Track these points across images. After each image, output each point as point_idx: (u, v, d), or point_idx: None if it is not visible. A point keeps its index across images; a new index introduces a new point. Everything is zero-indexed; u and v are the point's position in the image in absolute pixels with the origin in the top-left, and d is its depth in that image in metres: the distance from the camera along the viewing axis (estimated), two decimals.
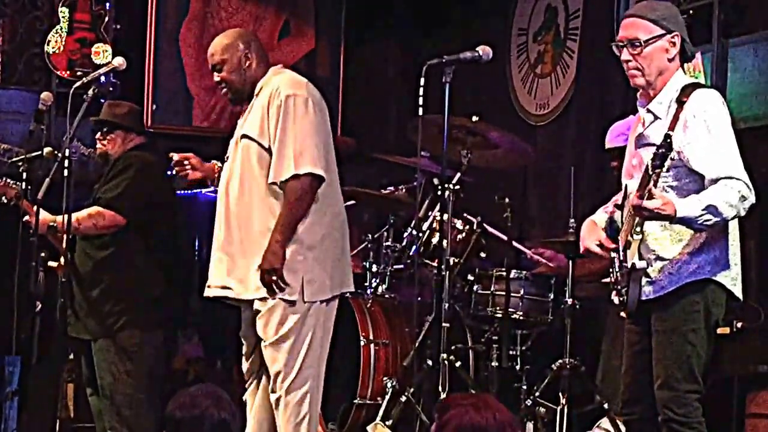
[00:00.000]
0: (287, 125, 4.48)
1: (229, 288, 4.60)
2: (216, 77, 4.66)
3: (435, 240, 5.68)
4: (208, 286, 4.69)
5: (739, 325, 5.07)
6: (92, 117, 5.42)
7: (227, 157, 4.68)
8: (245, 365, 4.72)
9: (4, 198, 5.21)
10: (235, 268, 4.58)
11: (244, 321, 4.68)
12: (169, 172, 5.19)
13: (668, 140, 3.70)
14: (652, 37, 3.98)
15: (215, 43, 4.69)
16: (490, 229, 5.78)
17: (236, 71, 4.63)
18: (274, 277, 4.43)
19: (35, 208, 4.98)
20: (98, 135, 5.41)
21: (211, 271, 4.67)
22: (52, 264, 5.21)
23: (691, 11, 5.53)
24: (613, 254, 4.03)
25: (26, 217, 5.10)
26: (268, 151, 4.51)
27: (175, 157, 4.82)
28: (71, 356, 5.74)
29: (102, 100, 5.77)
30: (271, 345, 4.53)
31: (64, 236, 4.92)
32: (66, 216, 4.86)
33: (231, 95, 4.68)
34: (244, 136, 4.58)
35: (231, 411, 3.12)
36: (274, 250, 4.43)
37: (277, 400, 4.54)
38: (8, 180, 5.22)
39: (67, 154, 4.84)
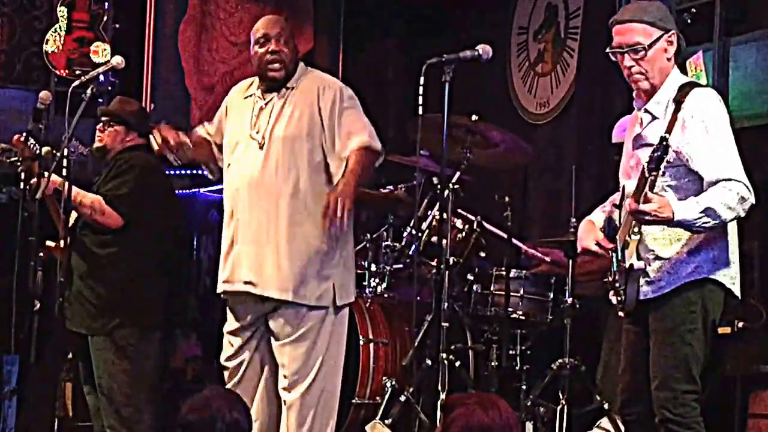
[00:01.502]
0: (352, 109, 4.60)
1: (251, 283, 4.55)
2: (274, 46, 4.61)
3: (434, 239, 5.66)
4: (227, 281, 4.63)
5: (741, 324, 5.05)
6: (99, 108, 5.41)
7: (258, 141, 4.61)
8: (231, 363, 4.67)
9: (19, 155, 5.14)
10: (266, 263, 4.52)
11: (247, 314, 4.62)
12: (169, 172, 5.18)
13: (663, 143, 3.68)
14: (654, 40, 3.95)
15: (276, 21, 4.72)
16: (490, 227, 5.77)
17: (292, 53, 4.66)
18: (340, 206, 4.34)
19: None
20: (99, 126, 5.39)
21: (232, 265, 4.61)
22: (50, 244, 5.17)
23: (692, 9, 5.51)
24: (611, 254, 4.01)
25: (32, 180, 5.06)
26: (319, 143, 4.54)
27: (170, 139, 4.69)
28: (70, 355, 5.72)
29: (100, 100, 5.76)
30: (291, 344, 4.53)
31: (62, 223, 4.91)
32: (64, 214, 4.86)
33: (279, 72, 4.63)
34: (288, 136, 4.55)
35: (243, 411, 3.14)
36: (350, 186, 4.38)
37: (292, 401, 4.53)
38: (30, 140, 5.15)
39: (65, 153, 4.83)
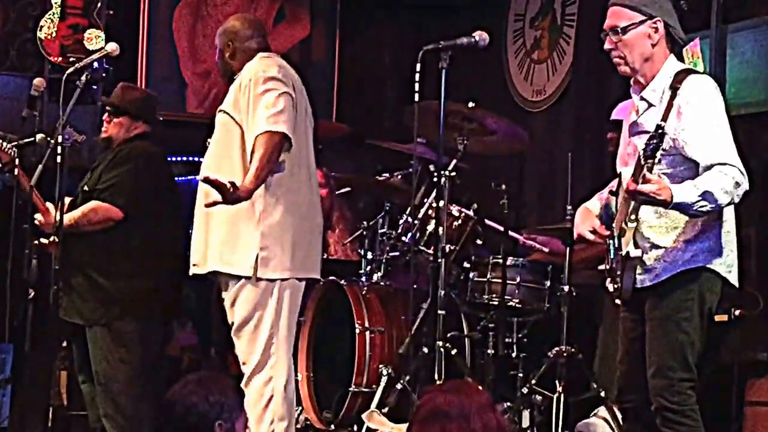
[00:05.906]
0: (258, 92, 4.52)
1: (195, 264, 4.67)
2: None
3: (431, 227, 5.65)
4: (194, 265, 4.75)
5: (738, 312, 5.05)
6: (102, 98, 5.40)
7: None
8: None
9: None
10: (199, 244, 4.64)
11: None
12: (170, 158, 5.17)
13: (659, 130, 3.67)
14: (630, 24, 3.95)
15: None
16: (488, 222, 5.76)
17: (220, 57, 4.85)
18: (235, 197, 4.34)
19: (29, 189, 4.97)
20: (105, 116, 5.38)
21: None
22: (43, 240, 5.15)
23: None
24: (608, 241, 4.00)
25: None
26: (239, 125, 4.58)
27: None
28: (64, 344, 5.70)
29: (95, 86, 5.73)
30: (236, 328, 4.57)
31: (56, 215, 4.90)
32: (60, 206, 4.84)
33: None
34: (220, 110, 4.70)
35: (208, 396, 3.16)
36: (249, 186, 4.37)
37: (244, 383, 4.53)
38: (4, 144, 5.18)
39: (59, 140, 4.81)
